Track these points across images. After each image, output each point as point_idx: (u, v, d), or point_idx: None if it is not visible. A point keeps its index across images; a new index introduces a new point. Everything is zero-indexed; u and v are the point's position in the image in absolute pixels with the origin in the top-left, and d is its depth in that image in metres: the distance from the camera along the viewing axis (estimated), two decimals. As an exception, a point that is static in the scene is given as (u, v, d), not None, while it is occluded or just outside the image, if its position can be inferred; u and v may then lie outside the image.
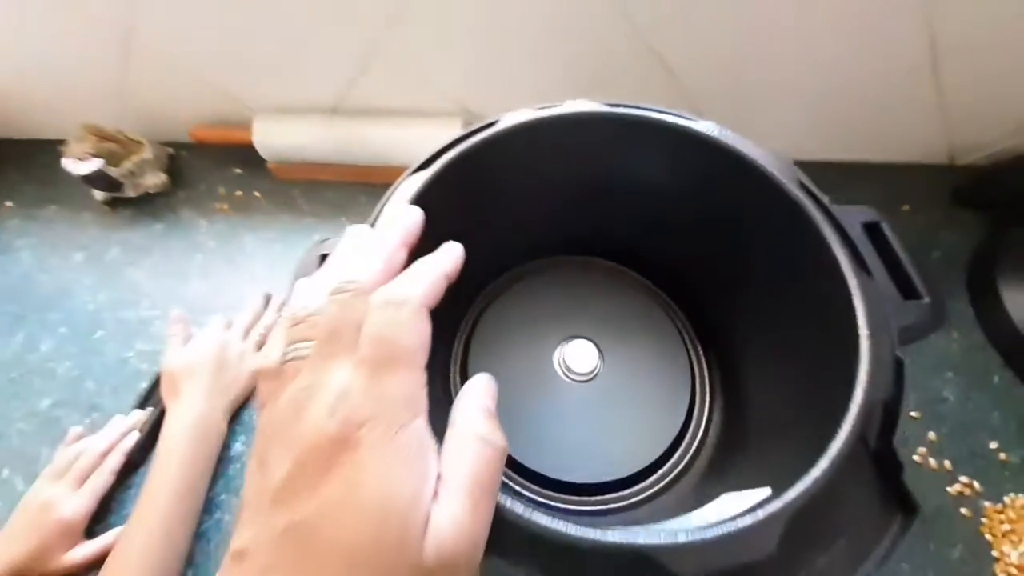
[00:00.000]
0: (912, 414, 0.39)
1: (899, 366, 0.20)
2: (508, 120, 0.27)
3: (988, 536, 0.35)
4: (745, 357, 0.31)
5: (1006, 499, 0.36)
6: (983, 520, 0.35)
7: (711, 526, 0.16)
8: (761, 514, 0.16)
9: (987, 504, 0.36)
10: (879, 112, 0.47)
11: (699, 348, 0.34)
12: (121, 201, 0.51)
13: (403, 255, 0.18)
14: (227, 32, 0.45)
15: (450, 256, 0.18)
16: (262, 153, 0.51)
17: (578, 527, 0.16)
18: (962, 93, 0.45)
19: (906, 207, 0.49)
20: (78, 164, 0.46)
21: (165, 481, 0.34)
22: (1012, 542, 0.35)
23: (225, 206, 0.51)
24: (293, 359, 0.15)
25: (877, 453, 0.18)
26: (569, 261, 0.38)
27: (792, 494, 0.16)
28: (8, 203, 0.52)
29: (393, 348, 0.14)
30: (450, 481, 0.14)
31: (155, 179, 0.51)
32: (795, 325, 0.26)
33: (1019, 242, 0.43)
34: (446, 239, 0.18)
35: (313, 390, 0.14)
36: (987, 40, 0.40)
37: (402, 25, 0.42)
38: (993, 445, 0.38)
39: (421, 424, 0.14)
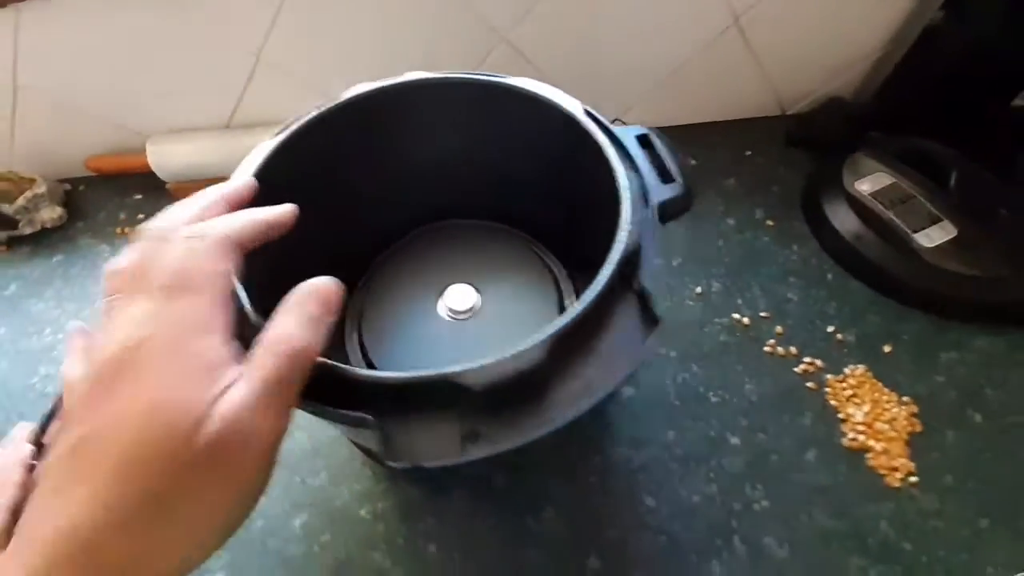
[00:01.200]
0: (762, 314, 0.45)
1: (650, 228, 0.25)
2: (354, 90, 0.32)
3: (833, 402, 0.41)
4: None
5: (846, 370, 0.42)
6: (827, 390, 0.41)
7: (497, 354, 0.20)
8: (537, 336, 0.20)
9: (829, 376, 0.42)
10: (710, 76, 0.56)
11: (566, 277, 0.39)
12: (17, 239, 0.52)
13: (221, 209, 0.20)
14: (110, 66, 0.48)
15: (275, 210, 0.20)
16: (160, 175, 0.53)
17: (396, 372, 0.20)
18: (773, 51, 0.54)
19: (748, 152, 0.57)
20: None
21: None
22: (856, 404, 0.40)
23: (126, 230, 0.53)
24: (108, 309, 0.16)
25: (637, 289, 0.23)
26: (449, 224, 0.42)
27: (563, 319, 0.20)
28: None
29: (186, 276, 0.16)
30: (247, 373, 0.15)
31: (51, 213, 0.52)
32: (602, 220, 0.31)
33: (834, 168, 0.51)
34: (311, 208, 0.22)
35: (113, 323, 0.15)
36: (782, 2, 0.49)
37: (278, 34, 0.47)
38: (831, 329, 0.44)
39: (214, 342, 0.15)
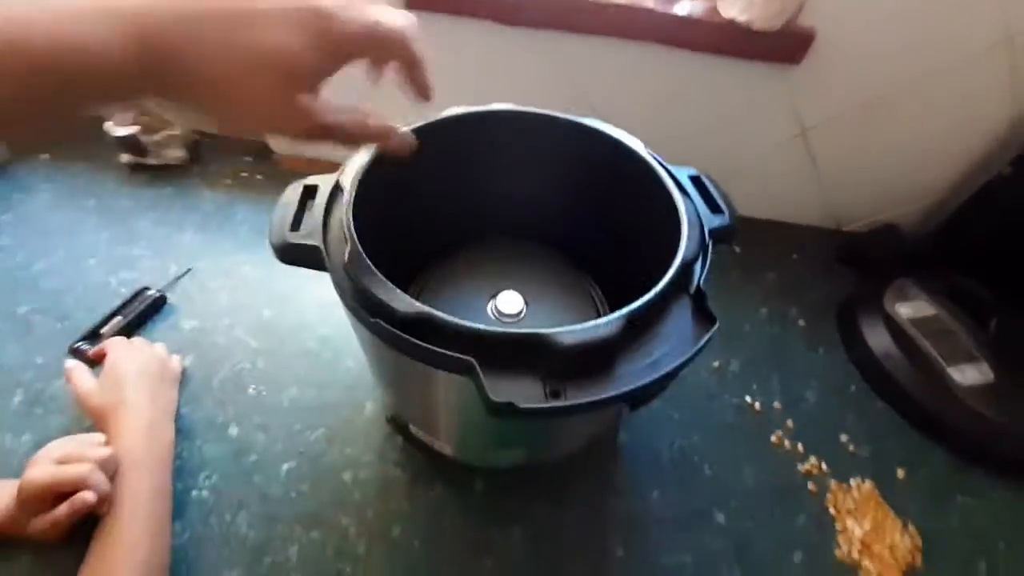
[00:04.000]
0: (775, 405, 0.45)
1: (705, 248, 0.29)
2: (447, 112, 0.37)
3: (832, 510, 0.39)
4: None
5: (852, 482, 0.41)
6: (828, 495, 0.40)
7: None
8: (612, 315, 0.23)
9: (833, 482, 0.40)
10: (771, 178, 0.59)
11: (602, 298, 0.42)
12: (143, 167, 0.60)
13: None
14: None
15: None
16: (273, 146, 0.61)
17: (491, 325, 0.23)
18: (836, 166, 0.57)
19: (795, 256, 0.59)
20: (118, 128, 0.56)
21: (141, 484, 0.32)
22: (856, 519, 0.39)
23: (229, 182, 0.60)
24: None
25: (694, 292, 0.26)
26: (503, 239, 0.45)
27: (632, 305, 0.24)
28: (44, 156, 0.61)
29: None
30: None
31: (177, 153, 0.61)
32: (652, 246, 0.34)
33: (877, 287, 0.52)
34: (388, 209, 0.27)
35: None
36: (847, 129, 0.53)
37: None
38: (844, 438, 0.43)
39: None
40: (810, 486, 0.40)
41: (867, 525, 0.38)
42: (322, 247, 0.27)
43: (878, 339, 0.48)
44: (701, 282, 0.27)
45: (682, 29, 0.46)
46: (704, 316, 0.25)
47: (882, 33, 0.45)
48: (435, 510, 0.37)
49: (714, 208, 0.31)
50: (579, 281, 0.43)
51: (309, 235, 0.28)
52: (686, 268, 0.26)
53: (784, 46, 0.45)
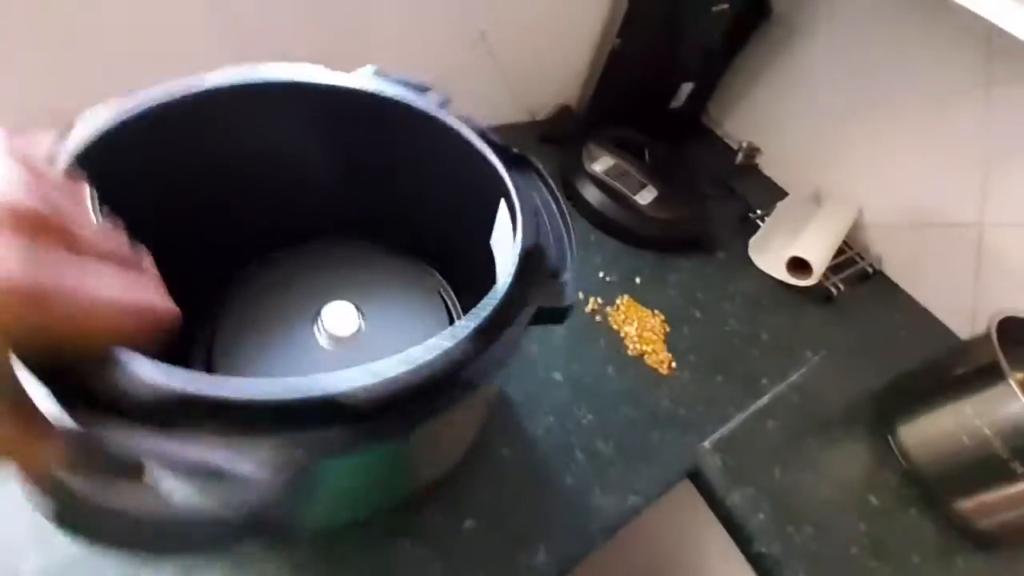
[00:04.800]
0: (554, 272, 0.55)
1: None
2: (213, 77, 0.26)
3: (614, 325, 0.52)
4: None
5: (617, 301, 0.54)
6: (609, 318, 0.53)
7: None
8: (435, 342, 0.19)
9: (607, 308, 0.53)
10: (471, 85, 0.64)
11: (449, 289, 0.38)
12: None
13: None
14: None
15: None
16: None
17: (271, 384, 0.15)
18: (509, 66, 0.66)
19: (515, 149, 0.68)
20: None
21: None
22: (629, 324, 0.53)
23: None
24: None
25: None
26: (316, 243, 0.37)
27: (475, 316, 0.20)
28: None
29: None
30: None
31: None
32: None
33: (576, 157, 0.65)
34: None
35: None
36: (520, 28, 0.60)
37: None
38: (600, 275, 0.56)
39: None
40: (597, 319, 0.52)
41: (635, 324, 0.53)
42: None
43: (591, 194, 0.62)
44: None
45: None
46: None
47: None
48: None
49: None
50: (421, 278, 0.38)
51: None
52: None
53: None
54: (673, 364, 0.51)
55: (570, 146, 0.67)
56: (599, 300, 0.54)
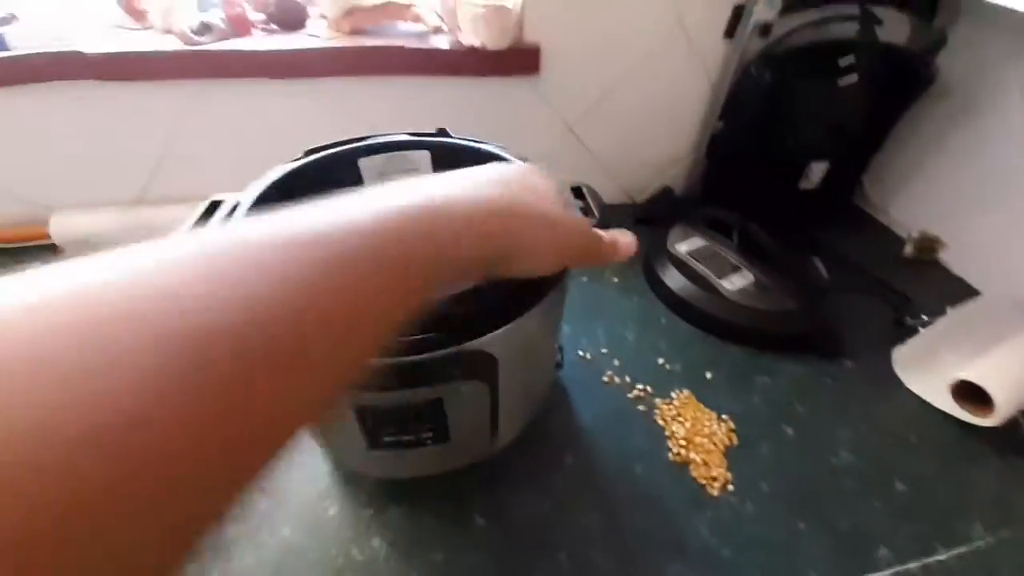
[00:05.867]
0: (603, 350, 0.50)
1: None
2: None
3: (660, 421, 0.44)
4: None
5: (673, 394, 0.47)
6: (656, 412, 0.45)
7: None
8: None
9: (658, 399, 0.46)
10: (566, 173, 0.69)
11: None
12: None
13: None
14: (20, 146, 0.55)
15: None
16: (61, 245, 0.57)
17: None
18: (604, 152, 0.68)
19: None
20: None
21: None
22: (679, 422, 0.44)
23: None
24: None
25: None
26: None
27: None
28: None
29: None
30: None
31: None
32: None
33: (661, 236, 0.62)
34: None
35: None
36: (602, 119, 0.64)
37: (189, 124, 0.56)
38: (660, 361, 0.50)
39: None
40: (640, 407, 0.45)
41: (688, 424, 0.44)
42: None
43: (670, 274, 0.57)
44: None
45: (434, 59, 0.53)
46: None
47: (587, 37, 0.56)
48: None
49: (588, 213, 0.35)
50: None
51: None
52: None
53: (520, 61, 0.55)
54: (731, 486, 0.40)
55: (661, 227, 0.64)
56: (649, 388, 0.47)
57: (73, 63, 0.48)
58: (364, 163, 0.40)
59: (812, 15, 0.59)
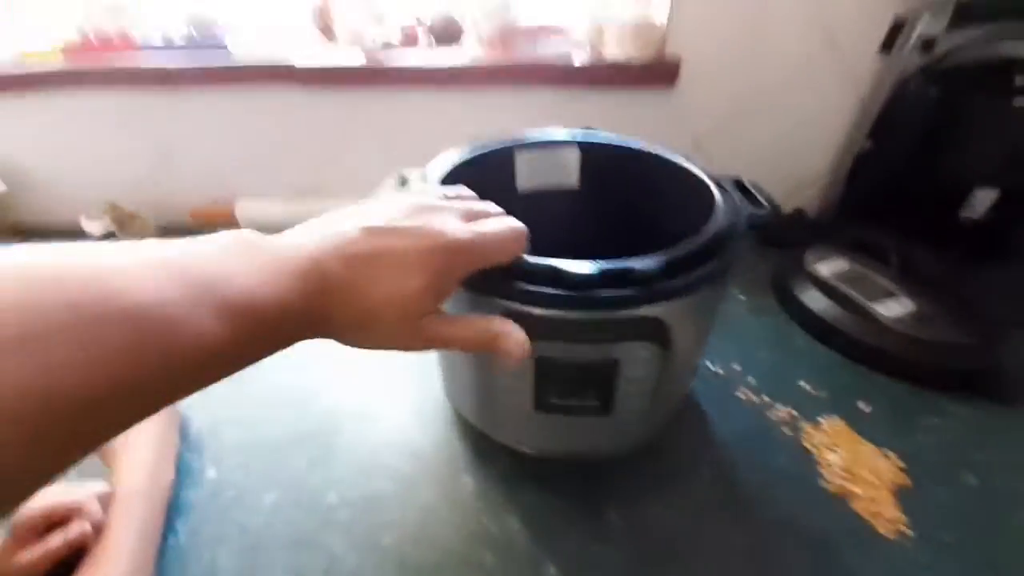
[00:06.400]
0: (735, 366, 0.47)
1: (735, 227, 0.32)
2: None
3: (809, 446, 0.40)
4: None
5: (821, 420, 0.42)
6: (803, 435, 0.41)
7: None
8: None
9: (804, 423, 0.42)
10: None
11: None
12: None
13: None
14: (221, 138, 0.65)
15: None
16: (242, 225, 0.66)
17: None
18: (732, 169, 0.66)
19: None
20: (92, 224, 0.60)
21: (133, 519, 0.32)
22: (834, 451, 0.40)
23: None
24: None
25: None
26: None
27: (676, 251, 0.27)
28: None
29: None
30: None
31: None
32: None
33: (797, 257, 0.58)
34: None
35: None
36: (733, 134, 0.63)
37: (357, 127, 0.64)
38: (803, 384, 0.46)
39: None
40: (785, 430, 0.42)
41: (846, 455, 0.39)
42: None
43: (809, 296, 0.53)
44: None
45: (574, 72, 0.56)
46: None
47: (730, 52, 0.56)
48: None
49: (754, 203, 0.36)
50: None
51: None
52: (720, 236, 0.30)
53: (660, 73, 0.56)
54: (908, 530, 0.35)
55: (791, 249, 0.60)
56: (793, 411, 0.43)
57: (284, 73, 0.57)
58: (520, 155, 0.43)
59: (983, 31, 0.55)
